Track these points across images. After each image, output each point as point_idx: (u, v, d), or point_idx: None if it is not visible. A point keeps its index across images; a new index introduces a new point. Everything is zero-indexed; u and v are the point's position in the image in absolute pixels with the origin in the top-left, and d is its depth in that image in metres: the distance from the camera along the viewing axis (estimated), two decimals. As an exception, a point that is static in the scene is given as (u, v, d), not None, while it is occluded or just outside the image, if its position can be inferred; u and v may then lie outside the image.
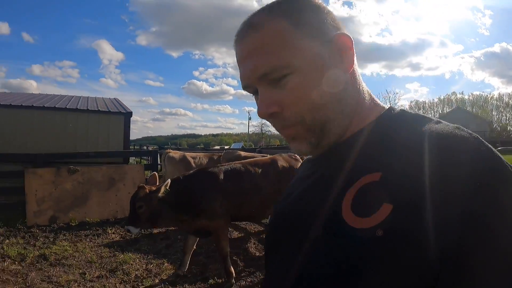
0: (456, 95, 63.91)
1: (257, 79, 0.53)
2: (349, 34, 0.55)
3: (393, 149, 0.49)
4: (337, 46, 0.54)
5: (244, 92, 0.59)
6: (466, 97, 61.92)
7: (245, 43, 0.54)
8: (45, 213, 5.77)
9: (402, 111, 0.57)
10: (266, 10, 0.54)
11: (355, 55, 0.55)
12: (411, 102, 67.33)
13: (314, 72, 0.52)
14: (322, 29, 0.53)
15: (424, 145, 0.46)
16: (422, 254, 0.41)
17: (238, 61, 0.56)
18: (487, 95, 59.04)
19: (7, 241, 4.90)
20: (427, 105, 64.58)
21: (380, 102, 0.61)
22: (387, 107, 0.59)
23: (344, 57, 0.54)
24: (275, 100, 0.53)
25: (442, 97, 65.29)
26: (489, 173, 0.43)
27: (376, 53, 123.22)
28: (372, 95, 0.60)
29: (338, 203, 0.49)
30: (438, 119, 0.52)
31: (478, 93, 68.35)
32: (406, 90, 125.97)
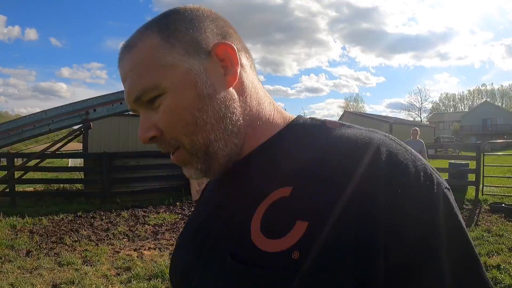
0: (486, 86, 63.93)
1: (133, 103, 0.50)
2: (230, 42, 0.49)
3: (302, 160, 0.46)
4: (218, 57, 0.49)
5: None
6: (496, 87, 61.96)
7: (121, 66, 0.50)
8: (206, 193, 8.05)
9: (311, 119, 0.54)
10: (143, 27, 0.50)
11: (239, 65, 0.50)
12: (441, 94, 67.56)
13: (185, 91, 0.47)
14: (198, 41, 0.48)
15: (336, 152, 0.44)
16: (347, 272, 0.38)
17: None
18: (517, 87, 58.76)
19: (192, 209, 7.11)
20: (457, 97, 64.89)
21: (286, 113, 0.56)
22: (295, 117, 0.55)
23: (226, 69, 0.49)
24: (152, 123, 0.49)
25: (471, 89, 65.49)
26: (399, 176, 0.41)
27: (403, 43, 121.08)
28: (277, 105, 0.56)
29: (245, 225, 0.44)
30: (350, 125, 0.50)
31: (508, 84, 68.00)
32: (435, 81, 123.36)
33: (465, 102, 64.30)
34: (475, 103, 60.75)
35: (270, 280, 0.40)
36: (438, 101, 66.36)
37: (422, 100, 60.89)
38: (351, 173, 0.41)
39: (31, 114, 5.38)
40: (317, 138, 0.48)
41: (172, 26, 0.49)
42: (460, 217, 0.42)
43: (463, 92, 68.12)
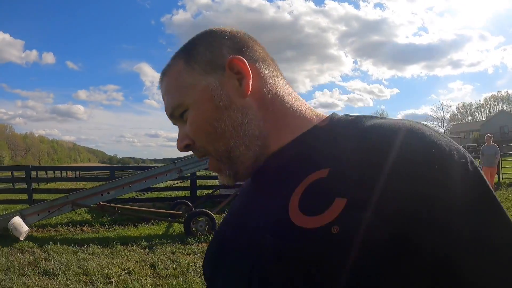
0: (501, 92, 66.31)
1: (170, 118, 0.58)
2: (240, 56, 0.53)
3: (339, 146, 0.48)
4: (232, 71, 0.53)
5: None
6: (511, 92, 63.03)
7: (160, 89, 0.59)
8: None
9: (346, 115, 0.56)
10: (175, 54, 0.58)
11: (250, 76, 0.53)
12: (458, 104, 69.94)
13: (204, 105, 0.53)
14: (214, 60, 0.54)
15: (370, 137, 0.45)
16: (387, 244, 0.38)
17: None
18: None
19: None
20: (474, 106, 67.41)
21: (321, 112, 0.58)
22: (329, 114, 0.57)
23: (241, 81, 0.53)
24: (185, 134, 0.56)
25: (487, 97, 67.86)
26: (434, 157, 0.41)
27: (414, 54, 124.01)
28: (309, 105, 0.58)
29: (283, 207, 0.45)
30: (383, 116, 0.53)
31: (524, 89, 70.14)
32: (449, 90, 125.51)
33: (482, 110, 66.88)
34: (491, 110, 63.41)
35: (312, 254, 0.40)
36: (455, 111, 69.31)
37: (445, 113, 64.24)
38: (387, 154, 0.42)
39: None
40: (352, 128, 0.49)
41: (193, 51, 0.55)
42: (493, 191, 0.43)
43: (479, 100, 70.64)
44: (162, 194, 9.13)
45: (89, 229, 6.54)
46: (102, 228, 6.59)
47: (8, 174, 15.52)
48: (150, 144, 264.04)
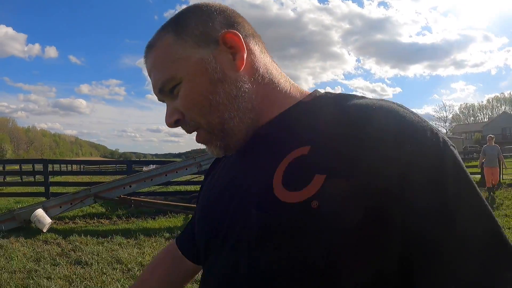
0: (504, 94, 66.29)
1: (158, 94, 0.56)
2: (235, 31, 0.53)
3: (319, 124, 0.49)
4: (226, 45, 0.53)
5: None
6: (515, 94, 62.82)
7: (146, 63, 0.57)
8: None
9: (327, 92, 0.57)
10: (161, 28, 0.56)
11: (245, 50, 0.53)
12: (461, 104, 70.02)
13: (197, 78, 0.52)
14: (206, 33, 0.53)
15: (349, 115, 0.47)
16: (362, 216, 0.41)
17: None
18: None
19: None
20: (476, 107, 67.36)
21: (304, 89, 0.60)
22: (312, 91, 0.59)
23: (234, 55, 0.53)
24: (175, 108, 0.55)
25: (490, 99, 67.78)
26: (407, 133, 0.43)
27: (418, 53, 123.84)
28: (293, 82, 0.59)
29: (268, 182, 0.48)
30: (363, 96, 0.52)
31: (526, 90, 70.24)
32: (451, 90, 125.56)
33: (484, 112, 66.90)
34: (494, 112, 63.49)
35: (293, 226, 0.43)
36: (458, 112, 69.43)
37: (447, 113, 64.42)
38: (364, 133, 0.44)
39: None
40: (332, 106, 0.51)
41: (183, 23, 0.54)
42: (465, 169, 0.44)
43: (482, 101, 70.77)
44: (171, 188, 9.41)
45: (107, 221, 6.71)
46: (120, 220, 6.75)
47: (15, 167, 15.69)
48: (152, 139, 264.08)
